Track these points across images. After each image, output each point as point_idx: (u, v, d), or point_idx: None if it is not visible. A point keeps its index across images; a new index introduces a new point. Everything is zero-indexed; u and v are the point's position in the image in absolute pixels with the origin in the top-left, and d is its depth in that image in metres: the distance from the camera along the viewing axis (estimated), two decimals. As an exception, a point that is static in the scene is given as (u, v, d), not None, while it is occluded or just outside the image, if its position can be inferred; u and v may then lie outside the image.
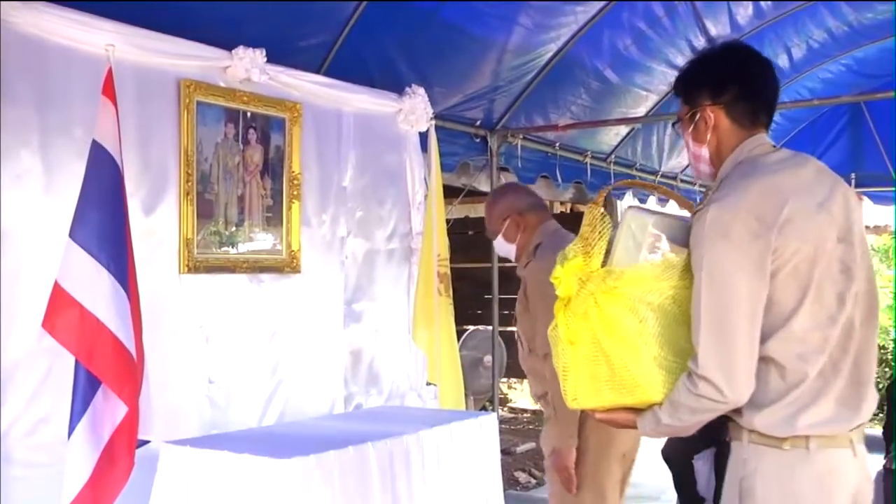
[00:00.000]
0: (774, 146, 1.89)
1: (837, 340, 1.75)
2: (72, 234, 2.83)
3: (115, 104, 2.94)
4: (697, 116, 1.90)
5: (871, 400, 1.79)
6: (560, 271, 1.89)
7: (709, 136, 1.89)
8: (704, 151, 1.93)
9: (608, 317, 1.79)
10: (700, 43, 6.07)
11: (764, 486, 1.75)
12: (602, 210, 1.93)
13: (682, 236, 1.81)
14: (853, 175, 8.23)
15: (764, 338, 1.73)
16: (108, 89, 2.93)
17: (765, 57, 1.93)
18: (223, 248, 3.78)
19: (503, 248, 3.25)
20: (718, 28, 5.97)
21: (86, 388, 2.81)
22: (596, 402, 1.88)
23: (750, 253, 1.69)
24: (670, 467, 4.96)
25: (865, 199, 8.63)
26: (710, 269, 1.70)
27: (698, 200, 7.60)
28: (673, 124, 1.97)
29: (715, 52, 1.94)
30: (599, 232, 1.89)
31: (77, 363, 2.83)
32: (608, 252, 1.86)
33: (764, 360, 1.74)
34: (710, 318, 1.70)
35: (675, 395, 1.76)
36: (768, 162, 1.82)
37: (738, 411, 1.78)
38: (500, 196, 3.32)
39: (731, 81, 1.87)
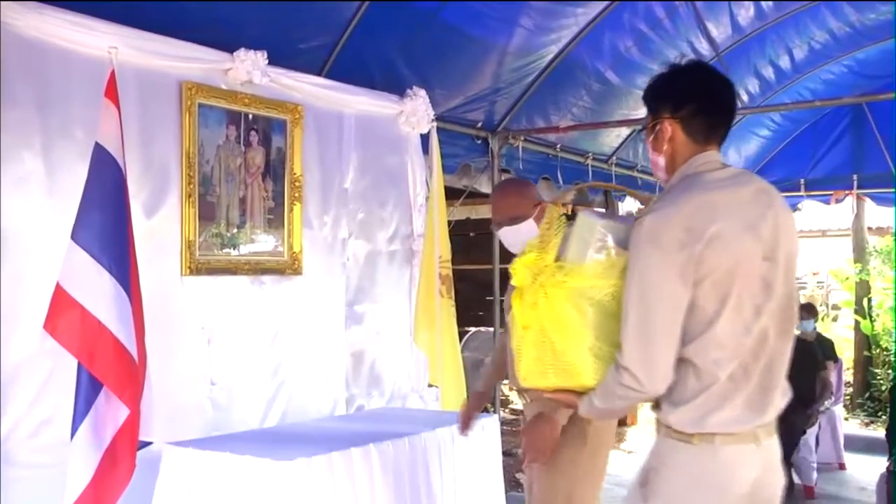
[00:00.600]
0: (723, 164, 2.01)
1: (751, 348, 1.90)
2: (74, 236, 2.83)
3: (118, 106, 2.95)
4: (657, 127, 2.03)
5: (779, 402, 1.97)
6: (517, 263, 2.10)
7: (665, 147, 2.02)
8: (661, 160, 2.06)
9: (554, 307, 1.99)
10: (701, 45, 6.08)
11: (669, 475, 1.95)
12: (561, 210, 2.15)
13: (626, 239, 1.97)
14: (855, 176, 8.24)
15: (687, 341, 1.88)
16: (111, 91, 2.94)
17: (726, 78, 2.07)
18: (225, 250, 3.79)
19: (521, 234, 2.99)
20: (720, 29, 5.97)
21: (88, 390, 2.82)
22: (543, 383, 2.08)
23: (676, 261, 1.84)
24: (672, 469, 4.97)
25: (868, 200, 8.64)
26: (640, 272, 1.87)
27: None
28: (638, 131, 2.12)
29: (680, 68, 2.07)
30: (555, 230, 2.08)
31: (79, 364, 2.83)
32: (563, 249, 2.05)
33: (684, 361, 1.90)
34: (635, 315, 1.87)
35: (605, 381, 1.95)
36: (710, 179, 1.96)
37: (658, 407, 1.97)
38: (526, 184, 3.30)
39: (691, 98, 1.99)
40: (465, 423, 3.21)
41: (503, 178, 6.04)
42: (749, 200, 1.94)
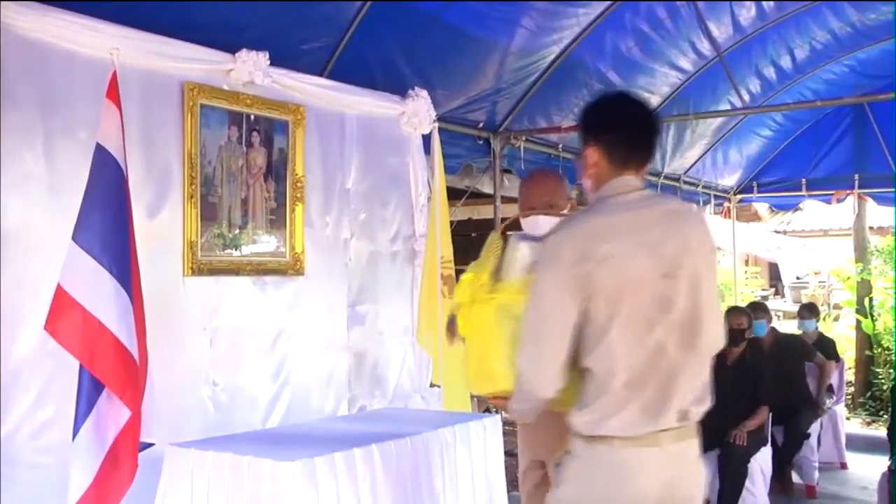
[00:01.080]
0: (640, 188, 2.15)
1: (645, 360, 2.04)
2: (75, 237, 2.84)
3: (120, 107, 2.95)
4: (583, 153, 2.20)
5: (676, 408, 2.07)
6: (460, 281, 2.42)
7: (590, 171, 2.18)
8: (587, 183, 2.22)
9: (481, 320, 2.30)
10: (703, 45, 6.08)
11: (575, 467, 2.12)
12: (498, 236, 2.49)
13: None
14: (857, 176, 8.23)
15: (586, 351, 2.06)
16: (113, 92, 2.94)
17: (645, 107, 2.24)
18: (227, 251, 3.79)
19: (547, 226, 2.77)
20: (721, 29, 5.97)
21: (90, 390, 2.82)
22: (482, 388, 2.35)
23: (566, 277, 2.03)
24: (674, 469, 4.97)
25: (869, 199, 8.63)
26: (537, 286, 2.09)
27: (701, 202, 7.57)
28: (576, 157, 2.31)
29: (602, 99, 2.26)
30: (492, 252, 2.40)
31: (81, 365, 2.84)
32: (499, 269, 2.32)
33: (586, 369, 2.07)
34: (529, 325, 2.10)
35: (514, 386, 2.19)
36: (617, 202, 2.11)
37: (570, 411, 2.16)
38: (558, 176, 3.21)
39: (609, 127, 2.16)
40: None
41: (504, 179, 6.05)
42: (654, 222, 2.09)
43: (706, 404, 2.16)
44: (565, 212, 2.96)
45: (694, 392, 2.11)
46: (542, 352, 2.07)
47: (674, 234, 2.09)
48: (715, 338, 2.18)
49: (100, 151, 2.89)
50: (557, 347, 2.04)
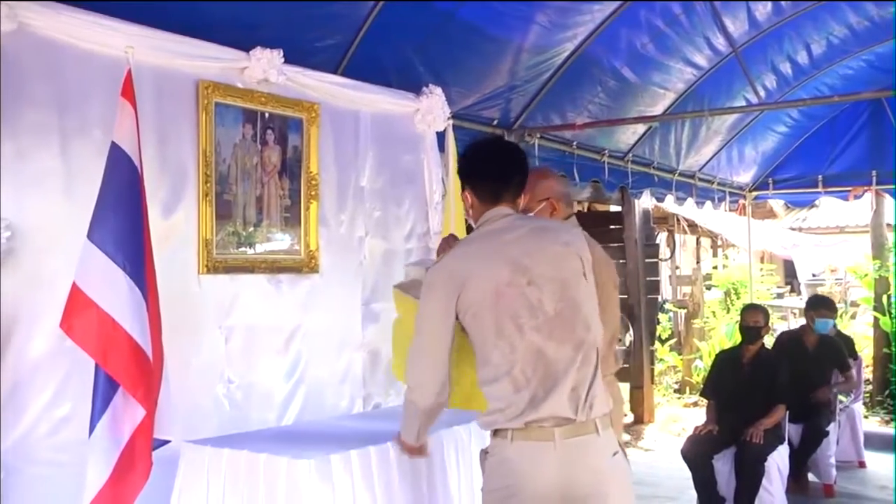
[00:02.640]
0: (508, 214, 2.50)
1: (525, 359, 2.32)
2: (90, 236, 2.84)
3: (135, 106, 2.95)
4: (463, 197, 2.60)
5: (564, 399, 2.30)
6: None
7: (470, 211, 2.59)
8: (472, 222, 2.60)
9: (393, 336, 3.02)
10: (718, 41, 6.04)
11: (487, 466, 2.40)
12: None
13: None
14: (874, 172, 8.16)
15: (477, 360, 2.40)
16: (128, 91, 2.95)
17: (510, 153, 2.59)
18: (241, 249, 3.80)
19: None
20: (737, 25, 5.93)
21: (106, 388, 2.83)
22: None
23: (440, 298, 2.40)
24: (690, 467, 4.94)
25: (887, 196, 8.56)
26: (419, 311, 2.48)
27: (716, 199, 7.51)
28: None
29: (470, 148, 2.66)
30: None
31: (96, 363, 2.85)
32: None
33: (481, 375, 2.40)
34: (412, 345, 2.49)
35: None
36: (485, 230, 2.48)
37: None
38: (543, 176, 3.19)
39: (474, 173, 2.56)
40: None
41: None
42: (517, 239, 2.41)
43: (603, 399, 2.37)
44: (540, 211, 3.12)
45: (584, 383, 2.33)
46: (419, 367, 2.46)
47: (535, 247, 2.40)
48: (594, 332, 2.40)
49: (115, 150, 2.90)
50: (435, 363, 2.41)
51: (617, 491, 2.34)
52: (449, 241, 3.19)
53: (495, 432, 2.37)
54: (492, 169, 2.54)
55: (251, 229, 3.84)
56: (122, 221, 2.88)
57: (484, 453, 2.44)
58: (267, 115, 3.89)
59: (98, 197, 2.88)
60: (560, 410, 2.28)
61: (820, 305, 6.19)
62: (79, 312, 2.79)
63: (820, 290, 12.96)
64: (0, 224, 2.87)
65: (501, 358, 2.33)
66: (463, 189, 2.58)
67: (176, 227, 3.52)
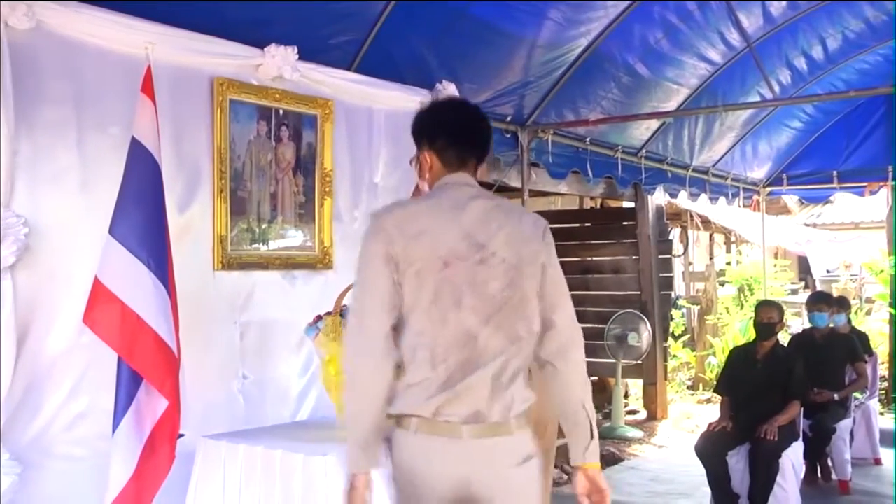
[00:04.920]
0: (471, 185, 2.23)
1: (451, 339, 2.06)
2: (112, 231, 2.87)
3: (154, 102, 2.98)
4: (419, 158, 2.29)
5: (475, 387, 2.05)
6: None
7: (427, 175, 2.27)
8: (425, 185, 2.31)
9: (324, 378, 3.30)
10: (732, 36, 6.01)
11: (390, 454, 2.12)
12: None
13: None
14: (890, 167, 8.09)
15: (402, 327, 2.10)
16: (147, 87, 2.97)
17: (476, 113, 2.31)
18: (255, 245, 3.81)
19: None
20: (751, 20, 5.90)
21: (129, 384, 2.85)
22: None
23: (383, 247, 2.08)
24: (704, 464, 4.92)
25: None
26: (360, 257, 2.13)
27: (730, 195, 7.45)
28: (410, 161, 2.35)
29: (434, 106, 2.37)
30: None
31: (119, 359, 2.87)
32: None
33: (400, 344, 2.11)
34: (354, 297, 2.16)
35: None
36: (444, 191, 2.20)
37: None
38: None
39: (442, 133, 2.25)
40: None
41: (532, 172, 6.03)
42: (475, 212, 2.15)
43: (523, 397, 2.12)
44: None
45: (507, 378, 2.08)
46: (364, 322, 2.09)
47: (496, 226, 2.15)
48: (534, 327, 2.16)
49: (135, 145, 2.92)
50: (377, 318, 2.07)
51: (516, 500, 2.10)
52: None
53: (399, 421, 2.07)
54: (463, 131, 2.27)
55: (265, 226, 3.86)
56: (143, 217, 2.90)
57: (387, 441, 2.13)
58: (281, 111, 3.91)
59: (119, 193, 2.90)
60: (474, 401, 2.04)
61: (817, 300, 6.16)
62: (102, 307, 2.82)
63: (834, 287, 12.90)
64: (17, 221, 2.89)
65: (429, 327, 2.07)
66: (419, 149, 2.28)
67: (191, 223, 3.54)
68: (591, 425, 2.17)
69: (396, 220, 2.12)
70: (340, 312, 3.31)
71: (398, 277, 2.07)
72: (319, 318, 3.34)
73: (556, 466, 6.12)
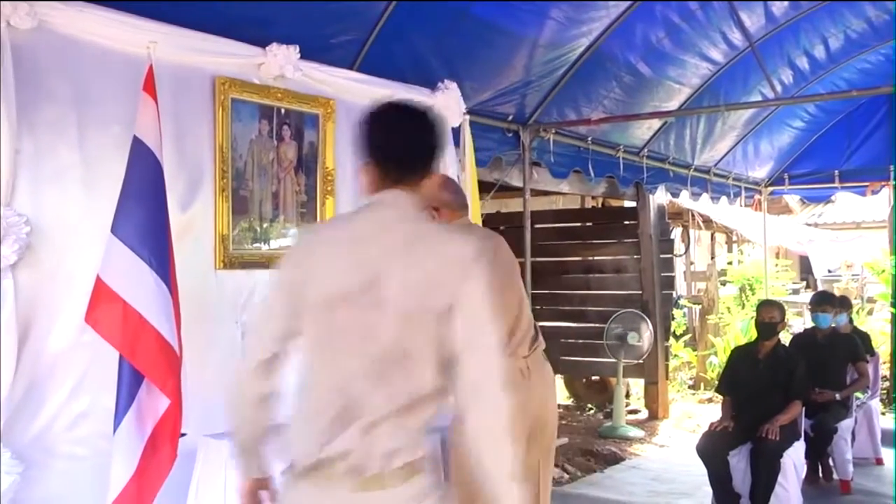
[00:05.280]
0: (400, 206, 1.92)
1: (333, 387, 1.85)
2: (114, 230, 2.87)
3: (156, 101, 2.98)
4: (361, 170, 2.03)
5: (353, 438, 1.81)
6: None
7: (367, 188, 1.99)
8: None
9: None
10: (734, 35, 6.00)
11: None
12: None
13: None
14: (892, 167, 8.09)
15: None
16: (149, 86, 2.98)
17: (415, 123, 1.98)
18: (256, 244, 3.81)
19: None
20: (753, 19, 5.89)
21: (130, 383, 2.85)
22: None
23: (283, 280, 1.94)
24: (705, 463, 4.92)
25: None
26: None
27: (731, 195, 7.44)
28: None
29: (366, 116, 2.01)
30: None
31: (121, 357, 2.87)
32: None
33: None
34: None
35: None
36: (364, 215, 1.96)
37: None
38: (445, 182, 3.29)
39: (373, 151, 1.97)
40: None
41: (534, 171, 6.03)
42: (389, 245, 1.87)
43: (414, 446, 1.85)
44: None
45: (390, 428, 1.81)
46: (250, 339, 2.04)
47: (403, 262, 1.85)
48: (424, 384, 1.83)
49: (137, 144, 2.92)
50: (262, 337, 1.95)
51: None
52: None
53: (287, 467, 1.92)
54: (396, 151, 1.96)
55: (267, 225, 3.86)
56: (145, 216, 2.90)
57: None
58: (283, 110, 3.91)
59: (121, 191, 2.90)
60: (355, 455, 1.81)
61: (821, 301, 6.16)
62: (104, 306, 2.82)
63: (836, 286, 12.89)
64: (19, 220, 2.89)
65: (314, 372, 1.89)
66: (362, 161, 2.00)
67: (192, 222, 3.53)
68: None
69: (307, 246, 1.97)
70: None
71: (298, 308, 1.88)
72: None
73: (556, 465, 6.13)
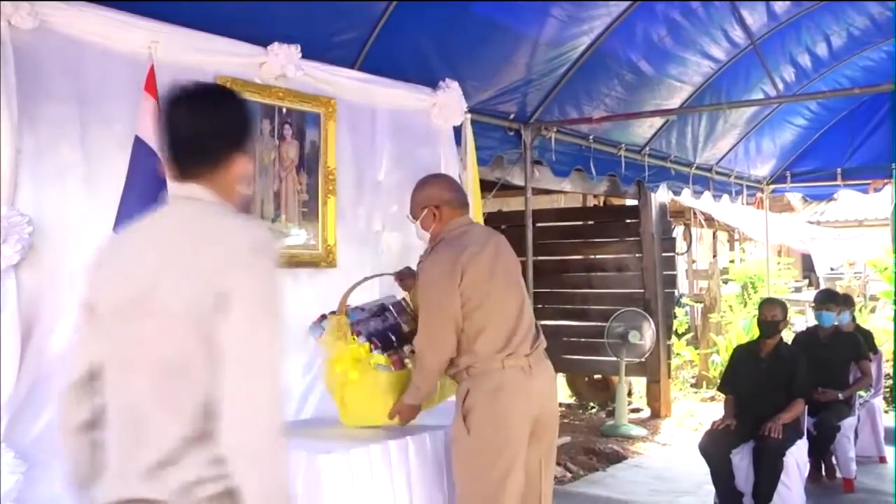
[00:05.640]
0: (188, 196, 1.73)
1: (116, 415, 1.69)
2: (116, 229, 2.87)
3: (158, 100, 2.97)
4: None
5: (143, 481, 1.60)
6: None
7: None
8: None
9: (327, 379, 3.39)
10: (736, 33, 6.00)
11: None
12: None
13: None
14: (893, 165, 8.07)
15: None
16: (151, 85, 2.98)
17: (192, 110, 1.74)
18: (260, 244, 3.81)
19: (420, 234, 3.30)
20: (755, 17, 5.89)
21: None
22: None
23: (81, 301, 1.78)
24: (708, 462, 4.92)
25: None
26: None
27: (733, 193, 7.43)
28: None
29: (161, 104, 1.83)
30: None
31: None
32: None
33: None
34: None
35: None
36: (154, 214, 1.77)
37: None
38: (424, 185, 3.33)
39: (162, 142, 1.76)
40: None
41: (535, 170, 6.02)
42: (143, 247, 1.72)
43: (208, 482, 1.58)
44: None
45: (178, 464, 1.59)
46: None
47: (149, 266, 1.66)
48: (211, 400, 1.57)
49: (139, 143, 2.93)
50: (71, 359, 1.85)
51: None
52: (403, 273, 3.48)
53: None
54: (174, 142, 1.73)
55: (269, 224, 3.85)
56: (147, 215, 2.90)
57: None
58: (284, 110, 3.91)
59: (123, 190, 2.91)
60: (150, 495, 1.59)
61: (825, 300, 6.16)
62: None
63: (839, 284, 12.87)
64: (22, 220, 2.89)
65: (106, 396, 1.72)
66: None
67: (195, 222, 3.53)
68: None
69: (98, 259, 1.77)
70: (346, 312, 3.31)
71: (96, 326, 1.73)
72: (324, 317, 3.33)
73: (558, 464, 6.13)
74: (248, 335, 1.60)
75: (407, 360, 3.22)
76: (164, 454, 1.58)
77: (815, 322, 6.23)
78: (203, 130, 1.72)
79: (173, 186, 1.74)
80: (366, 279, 3.48)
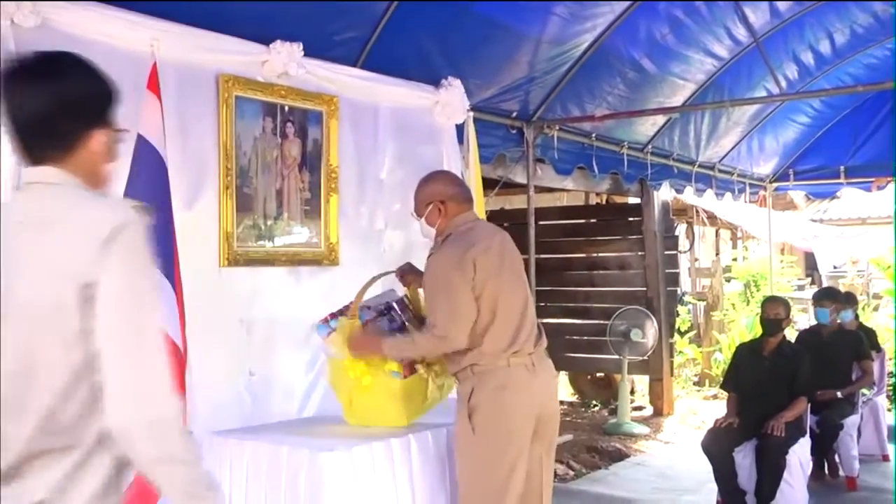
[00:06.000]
0: (43, 180, 1.57)
1: None
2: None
3: (160, 99, 2.98)
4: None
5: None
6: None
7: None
8: None
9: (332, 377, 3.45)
10: (738, 30, 5.99)
11: None
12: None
13: None
14: (896, 163, 8.06)
15: None
16: (153, 84, 2.98)
17: (26, 80, 1.56)
18: (260, 242, 3.81)
19: (425, 231, 3.28)
20: (758, 14, 5.87)
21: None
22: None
23: None
24: (710, 460, 4.92)
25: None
26: None
27: (736, 191, 7.44)
28: None
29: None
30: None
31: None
32: None
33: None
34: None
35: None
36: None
37: None
38: (428, 181, 3.33)
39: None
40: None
41: (538, 168, 6.02)
42: (16, 231, 1.52)
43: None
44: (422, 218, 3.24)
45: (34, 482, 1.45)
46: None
47: (22, 255, 1.48)
48: (68, 407, 1.45)
49: (141, 142, 2.93)
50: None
51: None
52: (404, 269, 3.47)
53: None
54: (15, 120, 1.54)
55: (271, 222, 3.86)
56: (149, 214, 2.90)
57: None
58: (287, 108, 3.91)
59: (125, 189, 2.91)
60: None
61: (822, 296, 6.16)
62: None
63: (841, 282, 12.85)
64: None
65: None
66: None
67: (197, 220, 3.54)
68: None
69: None
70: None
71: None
72: (333, 315, 3.33)
73: (561, 462, 6.13)
74: (120, 324, 1.45)
75: (418, 366, 3.21)
76: (11, 463, 1.44)
77: (815, 319, 6.22)
78: (49, 111, 1.52)
79: (25, 172, 1.55)
80: (373, 279, 3.47)
